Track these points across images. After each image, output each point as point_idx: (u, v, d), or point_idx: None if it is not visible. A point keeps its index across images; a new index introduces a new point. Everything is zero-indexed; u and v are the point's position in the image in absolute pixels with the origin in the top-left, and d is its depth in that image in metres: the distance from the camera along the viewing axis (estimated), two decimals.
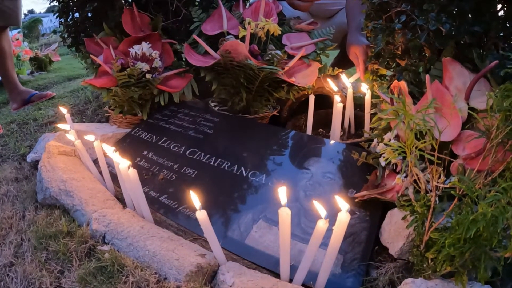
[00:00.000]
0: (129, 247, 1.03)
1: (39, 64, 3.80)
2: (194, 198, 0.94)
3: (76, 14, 1.97)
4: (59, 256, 1.10)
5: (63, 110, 1.54)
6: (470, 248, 0.69)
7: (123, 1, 1.84)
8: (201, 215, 0.91)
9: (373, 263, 0.99)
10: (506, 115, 0.75)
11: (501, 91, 0.75)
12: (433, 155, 0.82)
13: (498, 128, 0.77)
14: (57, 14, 1.96)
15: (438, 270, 0.79)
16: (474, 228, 0.64)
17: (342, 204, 0.83)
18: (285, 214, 0.83)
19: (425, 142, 0.81)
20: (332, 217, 0.84)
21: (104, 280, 0.97)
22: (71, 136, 1.38)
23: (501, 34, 1.03)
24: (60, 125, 1.46)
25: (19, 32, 4.31)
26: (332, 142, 1.41)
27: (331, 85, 1.58)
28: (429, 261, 0.83)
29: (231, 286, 0.89)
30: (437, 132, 0.83)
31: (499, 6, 1.04)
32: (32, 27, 7.56)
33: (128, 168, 1.09)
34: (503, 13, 1.04)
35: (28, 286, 1.05)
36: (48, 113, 2.25)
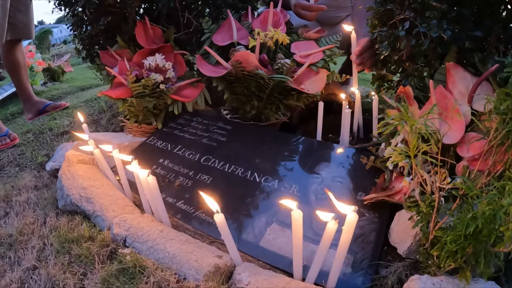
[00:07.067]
0: (150, 249, 1.08)
1: (52, 74, 3.86)
2: (210, 200, 0.98)
3: (90, 27, 2.02)
4: (82, 259, 1.14)
5: (81, 117, 1.58)
6: (471, 244, 0.73)
7: (135, 15, 1.90)
8: (219, 218, 0.96)
9: (382, 262, 1.02)
10: (503, 118, 0.79)
11: (498, 94, 0.79)
12: (437, 158, 0.86)
13: (497, 130, 0.81)
14: (70, 27, 2.01)
15: (442, 266, 0.83)
16: (474, 225, 0.67)
17: (346, 209, 0.87)
18: (297, 216, 0.87)
19: (429, 145, 0.84)
20: (342, 218, 0.87)
21: (126, 281, 1.01)
22: (89, 147, 1.41)
23: (502, 38, 1.06)
24: (78, 134, 1.50)
25: (31, 44, 4.38)
26: (341, 147, 1.44)
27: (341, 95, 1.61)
28: (434, 258, 0.87)
29: (247, 285, 0.93)
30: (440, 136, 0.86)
31: (501, 8, 1.07)
32: (43, 38, 7.65)
33: (148, 175, 1.14)
34: (504, 16, 1.06)
35: (52, 287, 1.10)
36: (63, 122, 2.30)
